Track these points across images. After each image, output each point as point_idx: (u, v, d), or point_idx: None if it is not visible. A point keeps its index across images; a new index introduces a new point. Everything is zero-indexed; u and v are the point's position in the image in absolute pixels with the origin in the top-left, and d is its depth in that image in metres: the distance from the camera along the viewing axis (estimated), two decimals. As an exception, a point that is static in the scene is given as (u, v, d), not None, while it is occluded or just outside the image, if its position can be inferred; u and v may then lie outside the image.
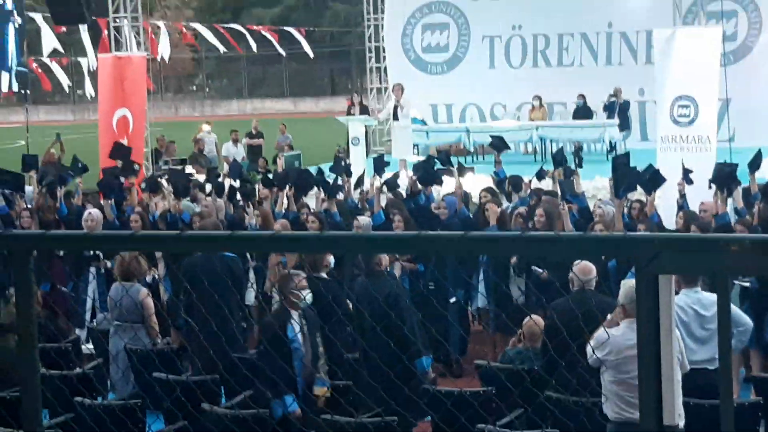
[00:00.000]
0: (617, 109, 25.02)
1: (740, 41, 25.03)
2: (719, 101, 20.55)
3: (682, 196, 14.40)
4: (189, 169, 24.68)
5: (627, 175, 13.10)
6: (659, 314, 3.71)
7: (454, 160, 20.27)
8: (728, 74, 21.12)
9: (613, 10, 26.57)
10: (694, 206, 13.61)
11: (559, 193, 14.15)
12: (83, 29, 26.36)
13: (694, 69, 19.79)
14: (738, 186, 13.84)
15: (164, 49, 30.34)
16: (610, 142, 24.59)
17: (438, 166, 15.66)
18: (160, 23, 32.06)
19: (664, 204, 14.60)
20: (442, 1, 28.59)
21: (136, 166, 16.98)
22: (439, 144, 25.30)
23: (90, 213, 13.57)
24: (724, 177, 13.59)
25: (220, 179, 17.93)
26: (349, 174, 16.49)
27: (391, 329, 9.18)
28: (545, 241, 3.62)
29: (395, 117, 24.36)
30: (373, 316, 9.47)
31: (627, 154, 14.53)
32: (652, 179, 13.61)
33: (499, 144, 17.79)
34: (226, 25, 35.47)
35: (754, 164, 14.58)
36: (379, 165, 15.72)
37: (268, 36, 36.42)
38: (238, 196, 15.72)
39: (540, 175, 16.32)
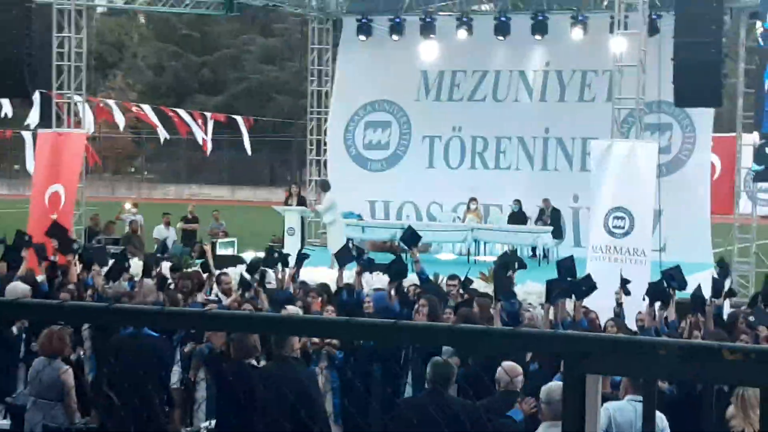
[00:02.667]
0: (548, 214, 25.41)
1: (674, 154, 25.53)
2: (652, 213, 20.89)
3: (619, 305, 14.55)
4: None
5: (562, 281, 13.22)
6: (585, 415, 3.72)
7: (388, 257, 20.42)
8: (661, 186, 21.55)
9: (551, 117, 27.05)
10: (629, 316, 13.77)
11: (494, 290, 14.11)
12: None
13: (630, 181, 20.11)
14: (672, 299, 14.02)
15: (115, 122, 30.16)
16: (543, 249, 24.82)
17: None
18: (111, 102, 31.96)
19: (600, 314, 14.66)
20: (385, 100, 28.90)
21: (75, 244, 16.83)
22: (374, 239, 25.40)
23: (15, 284, 13.37)
24: (658, 291, 13.77)
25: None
26: (286, 264, 16.42)
27: (296, 417, 8.97)
28: (476, 334, 3.64)
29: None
30: (278, 404, 9.25)
31: (571, 257, 14.61)
32: (586, 286, 13.72)
33: (409, 238, 17.53)
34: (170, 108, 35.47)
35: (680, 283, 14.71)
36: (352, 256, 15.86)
37: (210, 123, 36.43)
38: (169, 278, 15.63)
39: (465, 284, 16.04)
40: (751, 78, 24.79)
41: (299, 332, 5.10)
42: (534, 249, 25.12)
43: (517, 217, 25.92)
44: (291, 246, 23.89)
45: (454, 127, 28.10)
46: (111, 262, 15.74)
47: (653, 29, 23.08)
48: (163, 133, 30.39)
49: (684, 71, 19.85)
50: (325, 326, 3.66)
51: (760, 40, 22.09)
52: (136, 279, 15.64)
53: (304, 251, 17.32)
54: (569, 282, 13.63)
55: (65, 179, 20.68)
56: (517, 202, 25.96)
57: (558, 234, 25.29)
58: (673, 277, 14.23)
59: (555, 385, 7.61)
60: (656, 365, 3.61)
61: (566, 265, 13.90)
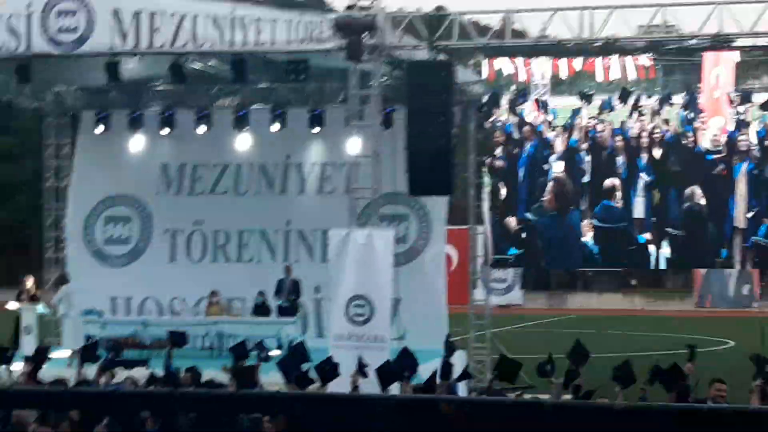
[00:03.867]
0: (287, 288, 25.54)
1: (410, 243, 26.26)
2: (391, 301, 21.41)
3: (355, 387, 14.76)
4: None
5: (299, 365, 13.37)
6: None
7: (131, 353, 20.11)
8: (399, 275, 22.15)
9: (292, 209, 27.41)
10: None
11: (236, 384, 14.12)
12: None
13: (369, 269, 20.61)
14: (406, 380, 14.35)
15: None
16: (287, 339, 24.90)
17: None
18: None
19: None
20: (125, 195, 28.56)
21: None
22: (115, 336, 24.90)
23: None
24: (390, 373, 14.07)
25: None
26: (6, 361, 15.83)
27: None
28: (194, 398, 3.73)
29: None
30: None
31: (302, 343, 14.80)
32: (329, 370, 13.92)
33: (178, 339, 17.64)
34: None
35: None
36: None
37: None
38: None
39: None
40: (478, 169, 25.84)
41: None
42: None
43: (261, 309, 25.97)
44: (28, 345, 23.16)
45: (195, 221, 28.03)
46: None
47: (387, 122, 23.83)
48: None
49: (417, 161, 20.65)
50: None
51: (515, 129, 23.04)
52: None
53: (44, 347, 16.82)
54: (316, 367, 13.83)
55: None
56: (261, 294, 26.04)
57: (292, 310, 25.44)
58: (402, 361, 14.61)
59: None
60: (374, 419, 3.80)
61: (299, 350, 14.09)
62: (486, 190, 22.60)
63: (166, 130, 27.62)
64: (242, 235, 27.88)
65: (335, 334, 20.72)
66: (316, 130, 26.83)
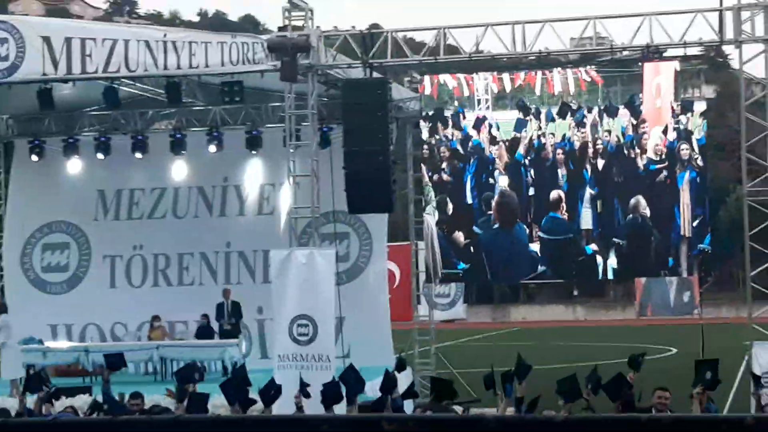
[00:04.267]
0: (227, 311, 25.43)
1: (352, 261, 26.26)
2: (335, 319, 21.39)
3: (299, 408, 14.72)
4: None
5: (242, 387, 13.33)
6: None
7: (74, 381, 19.86)
8: (342, 293, 22.13)
9: (232, 230, 27.30)
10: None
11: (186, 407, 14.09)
12: None
13: (311, 289, 20.59)
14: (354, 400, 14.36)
15: None
16: (231, 362, 24.77)
17: None
18: None
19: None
20: (62, 221, 28.28)
21: None
22: (57, 363, 24.67)
23: None
24: (333, 393, 14.07)
25: None
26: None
27: None
28: (137, 424, 3.69)
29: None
30: None
31: (243, 366, 14.76)
32: (273, 393, 13.91)
33: (115, 361, 17.46)
34: None
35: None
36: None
37: None
38: None
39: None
40: (417, 185, 25.91)
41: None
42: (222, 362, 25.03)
43: (206, 331, 25.84)
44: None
45: (134, 246, 27.83)
46: None
47: (325, 142, 23.84)
48: None
49: (355, 179, 20.65)
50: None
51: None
52: None
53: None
54: (259, 391, 13.80)
55: None
56: (205, 316, 25.92)
57: (235, 330, 25.35)
58: (349, 378, 14.61)
59: None
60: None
61: (240, 374, 14.06)
62: (432, 206, 22.63)
63: (101, 156, 27.38)
64: (182, 258, 27.72)
65: (280, 354, 20.66)
66: (254, 151, 26.77)
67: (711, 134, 27.37)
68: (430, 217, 22.75)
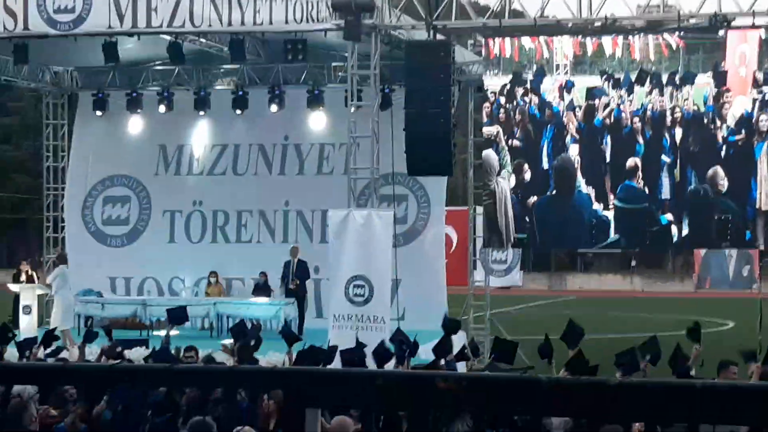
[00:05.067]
0: (293, 269, 25.42)
1: (410, 224, 26.19)
2: (390, 281, 21.40)
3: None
4: None
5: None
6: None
7: (131, 333, 20.03)
8: (398, 256, 22.12)
9: (291, 189, 27.34)
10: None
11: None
12: None
13: (368, 250, 20.60)
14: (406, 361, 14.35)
15: None
16: (285, 320, 24.89)
17: None
18: None
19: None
20: (123, 175, 28.53)
21: None
22: (115, 316, 24.94)
23: None
24: (386, 353, 14.07)
25: None
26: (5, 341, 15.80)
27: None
28: (192, 373, 3.70)
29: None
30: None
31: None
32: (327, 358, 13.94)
33: (178, 315, 17.45)
34: None
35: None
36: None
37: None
38: None
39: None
40: (479, 149, 25.80)
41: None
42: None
43: (263, 289, 25.97)
44: (27, 325, 23.19)
45: (194, 202, 28.00)
46: None
47: (386, 103, 23.79)
48: None
49: (416, 142, 20.58)
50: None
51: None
52: None
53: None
54: (319, 350, 13.84)
55: None
56: (263, 274, 26.04)
57: (303, 289, 25.36)
58: (402, 341, 14.58)
59: None
60: (372, 395, 3.76)
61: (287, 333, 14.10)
62: (507, 170, 22.38)
63: (164, 111, 27.56)
64: (241, 216, 27.85)
65: (335, 314, 20.73)
66: (315, 110, 26.78)
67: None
68: (505, 182, 22.52)
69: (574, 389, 3.31)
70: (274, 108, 26.87)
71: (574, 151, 22.24)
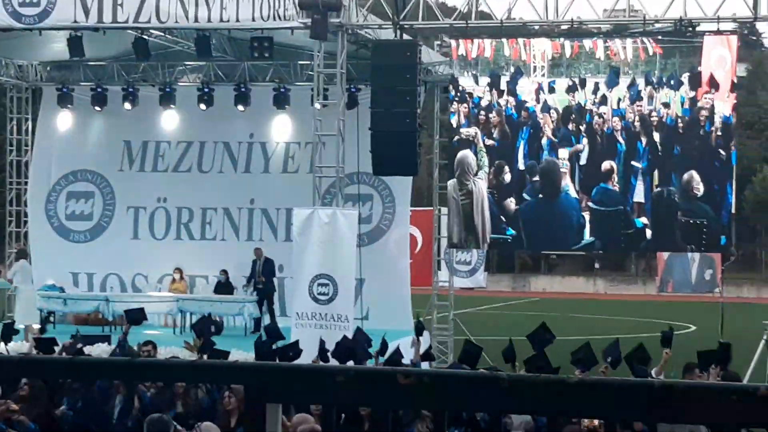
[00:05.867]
0: (261, 269, 25.33)
1: (375, 224, 26.19)
2: (355, 281, 21.41)
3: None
4: None
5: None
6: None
7: (94, 329, 19.95)
8: (363, 255, 22.15)
9: (256, 187, 27.29)
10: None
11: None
12: None
13: (333, 248, 20.60)
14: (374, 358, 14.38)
15: None
16: (250, 318, 24.87)
17: None
18: None
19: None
20: (87, 170, 28.37)
21: None
22: (76, 312, 24.85)
23: None
24: (349, 351, 14.07)
25: None
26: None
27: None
28: (152, 367, 3.69)
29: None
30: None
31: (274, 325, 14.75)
32: (293, 352, 13.93)
33: (135, 316, 17.41)
34: None
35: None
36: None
37: None
38: None
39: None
40: (443, 150, 25.87)
41: None
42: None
43: (224, 287, 25.94)
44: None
45: (159, 198, 27.89)
46: None
47: (352, 102, 23.78)
48: None
49: (381, 141, 20.61)
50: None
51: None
52: None
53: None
54: (279, 348, 13.82)
55: None
56: (224, 272, 26.02)
57: (271, 288, 25.27)
58: (358, 339, 14.60)
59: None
60: (334, 391, 3.76)
61: (273, 329, 14.10)
62: (484, 171, 22.41)
63: (128, 107, 27.43)
64: (206, 213, 27.77)
65: (298, 312, 20.71)
66: (281, 108, 26.74)
67: (739, 113, 27.15)
68: (482, 182, 22.55)
69: (533, 386, 3.34)
70: (240, 105, 26.80)
71: (553, 151, 22.29)
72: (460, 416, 10.38)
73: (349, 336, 17.87)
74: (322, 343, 15.31)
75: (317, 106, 21.77)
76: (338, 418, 10.82)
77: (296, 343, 14.45)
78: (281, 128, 27.37)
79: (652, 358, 13.20)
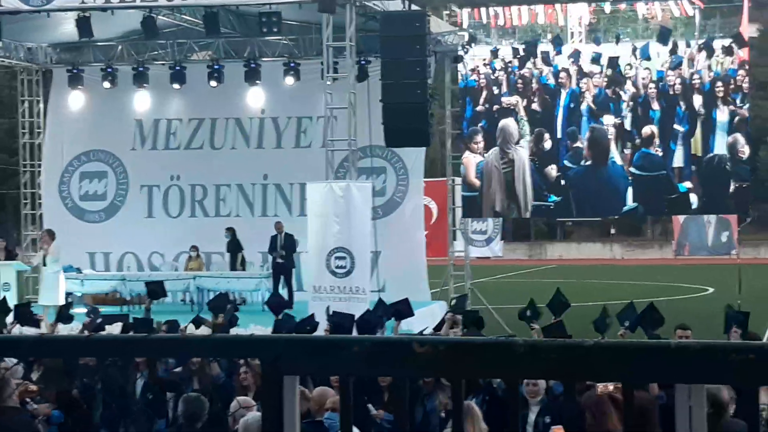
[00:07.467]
0: (281, 243, 25.26)
1: (389, 196, 26.18)
2: (370, 253, 21.41)
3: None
4: None
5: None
6: (283, 416, 3.82)
7: (111, 309, 19.95)
8: (378, 227, 22.14)
9: (269, 163, 27.28)
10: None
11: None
12: None
13: (348, 221, 20.57)
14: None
15: None
16: (268, 293, 24.87)
17: None
18: None
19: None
20: (100, 150, 28.43)
21: None
22: (94, 292, 24.90)
23: None
24: (371, 321, 14.08)
25: None
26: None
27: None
28: (168, 342, 3.68)
29: (44, 263, 23.59)
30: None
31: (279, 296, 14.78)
32: (310, 326, 13.95)
33: (156, 290, 17.50)
34: None
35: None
36: None
37: None
38: None
39: (198, 323, 16.18)
40: (455, 120, 25.80)
41: None
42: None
43: (234, 245, 25.87)
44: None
45: (172, 176, 27.93)
46: None
47: (362, 75, 23.72)
48: None
49: (393, 113, 20.55)
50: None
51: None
52: None
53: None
54: (297, 323, 13.84)
55: None
56: (230, 229, 25.96)
57: (291, 263, 25.19)
58: (378, 311, 14.61)
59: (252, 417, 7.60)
60: (350, 362, 3.75)
61: (274, 302, 14.12)
62: (525, 139, 22.30)
63: (139, 86, 27.42)
64: (219, 190, 27.80)
65: (315, 285, 20.72)
66: (291, 83, 26.67)
67: (753, 73, 26.93)
68: (524, 150, 22.44)
69: (548, 351, 3.32)
70: (250, 82, 26.76)
71: (608, 120, 22.11)
72: (477, 384, 10.37)
73: (367, 309, 17.94)
74: (328, 311, 15.35)
75: (327, 80, 21.70)
76: (356, 389, 10.82)
77: (312, 316, 14.46)
78: (292, 103, 27.31)
79: (665, 318, 13.14)
